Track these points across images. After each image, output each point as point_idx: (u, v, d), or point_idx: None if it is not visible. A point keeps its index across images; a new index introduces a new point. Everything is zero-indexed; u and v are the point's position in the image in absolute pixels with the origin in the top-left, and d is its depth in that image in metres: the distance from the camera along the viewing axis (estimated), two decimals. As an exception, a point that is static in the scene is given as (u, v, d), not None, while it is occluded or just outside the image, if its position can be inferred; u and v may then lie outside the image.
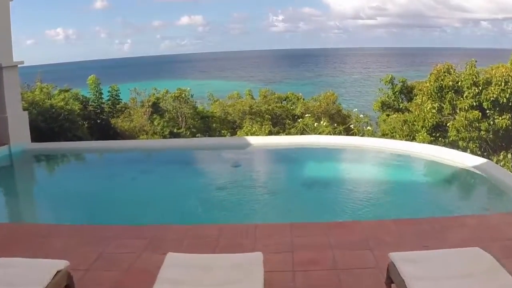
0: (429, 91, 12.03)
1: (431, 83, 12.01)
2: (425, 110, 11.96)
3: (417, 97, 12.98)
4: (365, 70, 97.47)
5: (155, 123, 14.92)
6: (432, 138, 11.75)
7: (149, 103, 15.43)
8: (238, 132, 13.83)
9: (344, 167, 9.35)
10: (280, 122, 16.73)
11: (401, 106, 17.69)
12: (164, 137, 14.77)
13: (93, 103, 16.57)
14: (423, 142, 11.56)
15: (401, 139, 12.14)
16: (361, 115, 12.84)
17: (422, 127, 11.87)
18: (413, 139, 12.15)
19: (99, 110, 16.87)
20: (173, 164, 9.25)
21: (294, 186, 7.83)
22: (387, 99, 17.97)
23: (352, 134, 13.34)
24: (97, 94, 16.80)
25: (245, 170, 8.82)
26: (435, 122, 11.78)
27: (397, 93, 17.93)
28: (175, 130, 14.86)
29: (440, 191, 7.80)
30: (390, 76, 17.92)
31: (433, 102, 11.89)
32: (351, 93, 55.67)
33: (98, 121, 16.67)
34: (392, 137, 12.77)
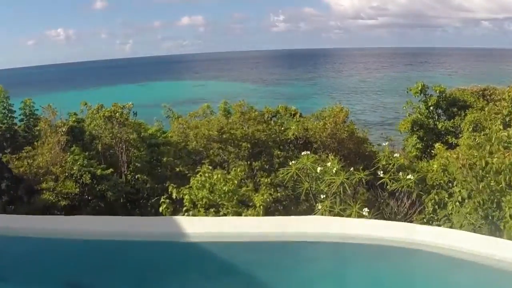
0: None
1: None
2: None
3: (494, 123, 7.05)
4: (366, 71, 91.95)
5: (69, 159, 9.07)
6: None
7: (64, 129, 9.58)
8: (196, 175, 7.70)
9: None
10: (265, 152, 10.87)
11: (439, 127, 11.88)
12: (82, 182, 8.95)
13: (0, 126, 10.98)
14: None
15: (478, 209, 6.23)
16: (396, 154, 7.03)
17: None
18: (497, 206, 6.26)
19: (9, 135, 11.25)
20: None
21: None
22: (419, 115, 12.21)
23: (381, 183, 7.42)
24: (6, 111, 11.21)
25: None
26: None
27: (431, 107, 12.19)
28: (98, 172, 8.99)
29: None
30: (420, 84, 12.22)
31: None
32: (352, 94, 50.06)
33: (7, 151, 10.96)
34: (451, 197, 6.86)
